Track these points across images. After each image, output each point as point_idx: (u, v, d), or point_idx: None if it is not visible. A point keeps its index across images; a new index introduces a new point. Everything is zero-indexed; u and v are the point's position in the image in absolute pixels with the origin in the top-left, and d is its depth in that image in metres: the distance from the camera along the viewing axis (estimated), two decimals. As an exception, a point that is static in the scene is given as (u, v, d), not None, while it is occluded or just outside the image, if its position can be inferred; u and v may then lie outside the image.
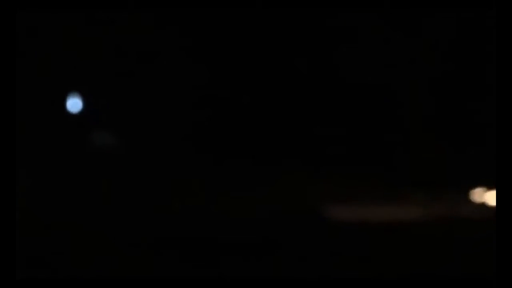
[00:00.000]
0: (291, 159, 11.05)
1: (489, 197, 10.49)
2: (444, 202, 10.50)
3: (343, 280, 7.71)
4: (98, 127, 9.12)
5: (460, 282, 7.63)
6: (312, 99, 11.98)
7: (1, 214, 6.54)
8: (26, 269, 7.48)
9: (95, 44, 9.72)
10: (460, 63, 13.01)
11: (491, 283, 6.86)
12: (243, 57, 12.06)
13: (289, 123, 11.57)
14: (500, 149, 6.86)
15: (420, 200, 10.51)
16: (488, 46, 12.60)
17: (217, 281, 7.78)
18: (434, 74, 13.00)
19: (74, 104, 8.91)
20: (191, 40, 11.07)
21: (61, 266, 8.13)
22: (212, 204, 10.17)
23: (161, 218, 9.83)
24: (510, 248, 6.51)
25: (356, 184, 10.82)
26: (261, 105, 11.42)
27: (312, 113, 11.95)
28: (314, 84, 12.15)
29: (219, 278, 7.94)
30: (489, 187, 10.52)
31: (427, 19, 13.03)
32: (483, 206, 10.34)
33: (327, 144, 11.18)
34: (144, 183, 9.89)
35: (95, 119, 9.04)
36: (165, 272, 8.04)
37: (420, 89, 12.89)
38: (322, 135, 11.33)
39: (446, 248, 8.98)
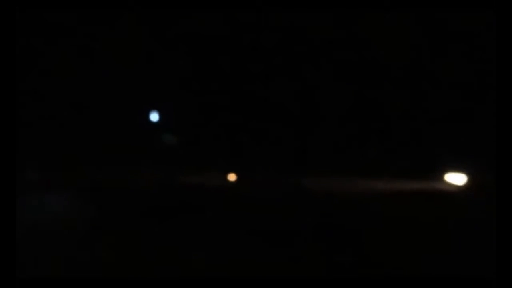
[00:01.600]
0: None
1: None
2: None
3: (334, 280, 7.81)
4: (168, 130, 14.04)
5: (460, 282, 7.62)
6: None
7: (1, 214, 6.55)
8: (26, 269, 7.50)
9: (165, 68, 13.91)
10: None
11: (491, 283, 6.86)
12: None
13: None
14: (500, 149, 6.87)
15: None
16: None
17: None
18: None
19: (153, 116, 13.89)
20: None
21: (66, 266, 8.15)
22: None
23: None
24: (510, 248, 6.52)
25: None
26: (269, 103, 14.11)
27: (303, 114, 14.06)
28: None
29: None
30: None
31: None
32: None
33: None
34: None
35: (166, 125, 14.02)
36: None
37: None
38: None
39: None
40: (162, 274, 8.02)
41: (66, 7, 12.46)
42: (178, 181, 13.76)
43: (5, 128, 6.75)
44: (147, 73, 13.88)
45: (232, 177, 13.40)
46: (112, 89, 13.78)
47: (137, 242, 9.54)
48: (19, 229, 8.27)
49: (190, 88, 14.12)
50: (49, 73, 13.60)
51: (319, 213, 11.37)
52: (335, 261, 8.92)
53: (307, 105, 14.15)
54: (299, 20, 13.45)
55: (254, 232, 10.29)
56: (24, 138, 13.07)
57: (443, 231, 10.18)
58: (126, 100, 13.89)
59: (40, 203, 12.18)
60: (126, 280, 7.62)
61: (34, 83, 13.42)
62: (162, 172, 13.88)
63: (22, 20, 12.02)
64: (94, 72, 13.73)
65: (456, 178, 13.07)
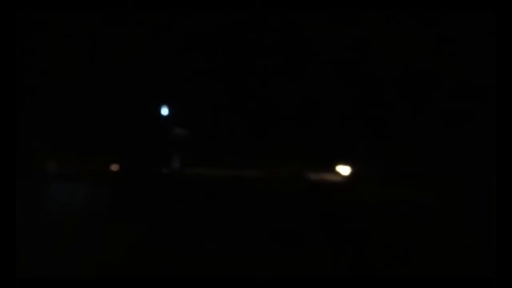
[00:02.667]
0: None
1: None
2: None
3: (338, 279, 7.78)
4: (177, 124, 15.71)
5: (460, 282, 7.61)
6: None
7: (1, 214, 6.55)
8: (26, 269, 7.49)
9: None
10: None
11: (491, 283, 6.86)
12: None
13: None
14: (500, 150, 6.87)
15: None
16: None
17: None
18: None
19: (164, 110, 15.55)
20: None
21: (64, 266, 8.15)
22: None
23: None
24: (510, 248, 6.51)
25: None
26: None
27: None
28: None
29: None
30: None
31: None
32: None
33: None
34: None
35: (175, 119, 15.73)
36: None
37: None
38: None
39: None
40: (164, 272, 8.03)
41: (74, 7, 12.60)
42: (185, 173, 15.25)
43: (5, 129, 6.76)
44: (156, 71, 15.19)
45: (114, 167, 15.21)
46: (123, 86, 15.05)
47: (141, 239, 9.60)
48: (27, 225, 8.43)
49: (197, 84, 15.37)
50: (65, 72, 14.23)
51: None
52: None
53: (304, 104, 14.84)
54: (299, 20, 13.47)
55: (248, 226, 10.56)
56: (41, 133, 13.88)
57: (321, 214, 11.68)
58: (137, 96, 15.29)
59: (55, 196, 12.86)
60: (126, 280, 7.62)
61: (54, 80, 14.05)
62: (173, 164, 15.35)
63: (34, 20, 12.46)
64: (107, 70, 14.97)
65: (343, 170, 16.03)
